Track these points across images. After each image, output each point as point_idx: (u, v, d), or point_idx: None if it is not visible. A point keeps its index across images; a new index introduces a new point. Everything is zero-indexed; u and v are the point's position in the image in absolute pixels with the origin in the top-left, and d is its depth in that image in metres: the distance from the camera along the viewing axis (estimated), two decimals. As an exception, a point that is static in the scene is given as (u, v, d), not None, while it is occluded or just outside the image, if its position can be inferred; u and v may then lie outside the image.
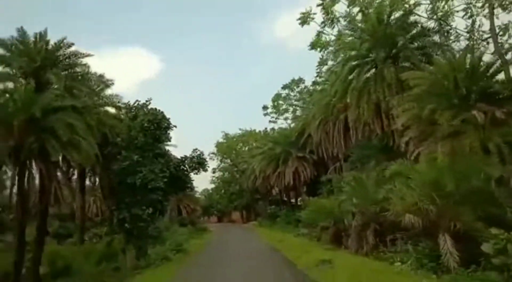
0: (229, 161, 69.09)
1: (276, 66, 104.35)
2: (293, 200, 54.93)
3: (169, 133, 24.79)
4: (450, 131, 15.16)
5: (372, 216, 16.64)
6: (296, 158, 39.72)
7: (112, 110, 23.54)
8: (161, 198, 23.35)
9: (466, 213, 11.05)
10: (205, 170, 27.42)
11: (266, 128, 53.62)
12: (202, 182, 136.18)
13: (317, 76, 39.23)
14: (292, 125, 46.95)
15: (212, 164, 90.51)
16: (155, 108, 24.39)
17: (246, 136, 67.52)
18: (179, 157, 26.62)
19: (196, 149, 27.11)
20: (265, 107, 53.91)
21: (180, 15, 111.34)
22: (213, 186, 76.37)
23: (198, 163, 26.73)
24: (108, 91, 22.80)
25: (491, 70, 16.39)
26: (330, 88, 28.60)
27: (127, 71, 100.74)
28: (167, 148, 25.31)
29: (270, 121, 54.69)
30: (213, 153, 69.87)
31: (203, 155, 27.32)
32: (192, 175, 27.74)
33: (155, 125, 23.78)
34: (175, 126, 24.96)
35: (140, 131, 23.43)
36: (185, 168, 26.54)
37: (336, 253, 17.37)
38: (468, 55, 17.66)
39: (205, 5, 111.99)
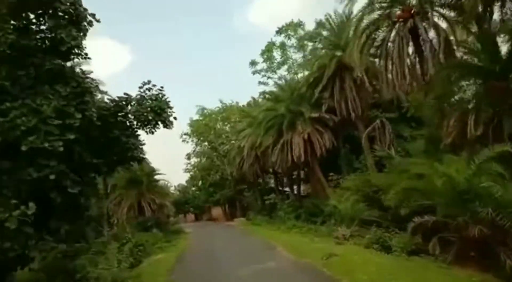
0: (206, 143, 55.38)
1: (251, 52, 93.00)
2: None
3: (84, 35, 11.31)
4: None
5: None
6: (309, 120, 26.82)
7: None
8: (63, 177, 9.97)
9: None
10: (167, 126, 14.01)
11: (252, 98, 40.20)
12: (176, 176, 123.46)
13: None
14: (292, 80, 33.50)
15: (186, 147, 77.08)
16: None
17: (227, 111, 54.10)
18: (114, 98, 13.22)
19: (148, 82, 13.73)
20: (253, 63, 40.38)
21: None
22: (188, 176, 62.34)
23: (154, 111, 13.36)
24: None
25: None
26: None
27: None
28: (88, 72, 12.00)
29: (260, 82, 41.11)
30: (186, 134, 56.06)
31: (163, 96, 13.93)
32: (144, 135, 14.54)
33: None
34: (98, 20, 11.54)
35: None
36: (127, 120, 13.20)
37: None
38: None
39: None
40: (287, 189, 47.08)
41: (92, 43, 13.29)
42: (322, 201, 27.95)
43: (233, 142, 47.09)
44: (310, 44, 34.84)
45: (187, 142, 56.31)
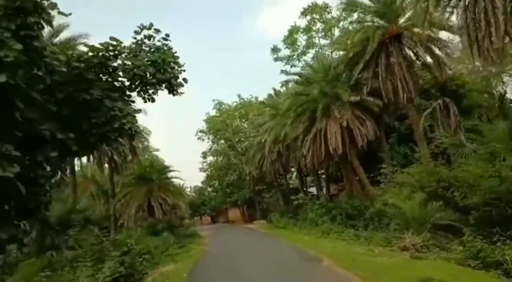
0: (223, 141, 51.24)
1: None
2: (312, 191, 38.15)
3: None
4: None
5: None
6: (348, 104, 22.40)
7: None
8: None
9: None
10: (174, 90, 9.83)
11: (273, 89, 35.41)
12: (192, 178, 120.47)
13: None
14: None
15: (202, 146, 73.20)
16: None
17: (246, 107, 49.96)
18: (95, 46, 9.13)
19: (150, 26, 9.55)
20: (275, 50, 35.92)
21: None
22: (203, 177, 58.22)
23: (155, 66, 9.23)
24: None
25: None
26: None
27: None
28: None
29: (282, 71, 36.65)
30: (202, 131, 52.09)
31: (169, 48, 9.78)
32: (140, 103, 10.41)
33: None
34: None
35: None
36: (114, 77, 9.10)
37: None
38: None
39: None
40: (311, 189, 42.70)
41: None
42: (361, 200, 23.60)
43: (251, 138, 43.06)
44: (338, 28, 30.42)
45: (203, 139, 52.43)
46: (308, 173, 35.06)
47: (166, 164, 33.12)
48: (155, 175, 29.68)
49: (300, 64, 34.49)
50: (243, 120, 50.57)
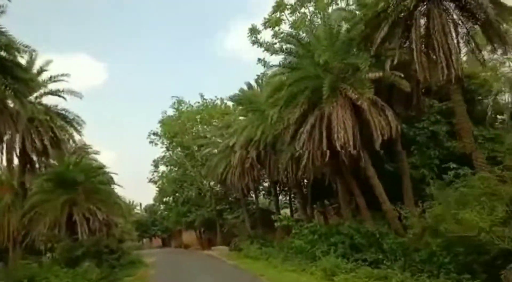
0: (179, 149, 42.95)
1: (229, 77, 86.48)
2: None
3: None
4: None
5: None
6: (367, 82, 15.55)
7: None
8: None
9: None
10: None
11: (247, 84, 27.87)
12: (145, 196, 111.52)
13: None
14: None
15: (154, 152, 63.62)
16: None
17: (209, 110, 42.39)
18: None
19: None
20: (254, 31, 28.56)
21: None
22: (156, 192, 49.04)
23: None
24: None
25: None
26: None
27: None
28: None
29: (259, 61, 29.35)
30: (155, 134, 43.70)
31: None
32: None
33: None
34: None
35: None
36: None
37: None
38: None
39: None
40: (284, 210, 35.44)
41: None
42: (374, 224, 16.72)
43: (214, 144, 35.46)
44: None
45: (156, 144, 43.94)
46: (290, 185, 27.70)
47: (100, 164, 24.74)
48: (80, 177, 21.19)
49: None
50: (205, 126, 42.85)
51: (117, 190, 27.94)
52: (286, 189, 33.02)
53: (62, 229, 19.66)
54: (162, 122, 43.02)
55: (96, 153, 29.04)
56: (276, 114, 17.18)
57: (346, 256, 15.77)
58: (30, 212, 20.53)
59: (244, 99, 27.11)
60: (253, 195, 36.32)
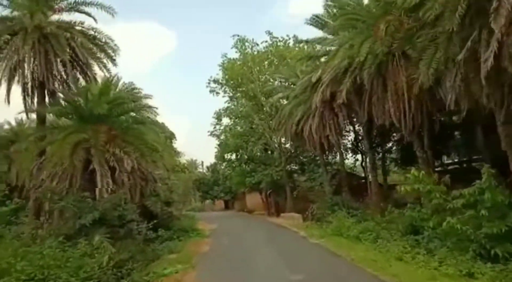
0: (243, 101, 36.06)
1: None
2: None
3: None
4: None
5: None
6: None
7: None
8: None
9: None
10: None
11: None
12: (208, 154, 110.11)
13: None
14: None
15: (216, 102, 56.68)
16: None
17: (281, 51, 34.67)
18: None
19: None
20: None
21: None
22: (217, 147, 42.76)
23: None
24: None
25: None
26: None
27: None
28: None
29: None
30: (215, 81, 37.08)
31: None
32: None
33: None
34: None
35: None
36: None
37: None
38: None
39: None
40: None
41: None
42: None
43: (289, 87, 28.22)
44: None
45: (217, 93, 37.33)
46: (405, 133, 19.15)
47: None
48: (105, 109, 14.64)
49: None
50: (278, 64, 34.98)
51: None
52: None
53: (76, 182, 13.59)
54: (224, 67, 36.09)
55: (148, 97, 21.91)
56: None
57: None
58: (41, 159, 14.79)
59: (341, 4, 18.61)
60: (334, 153, 28.91)
